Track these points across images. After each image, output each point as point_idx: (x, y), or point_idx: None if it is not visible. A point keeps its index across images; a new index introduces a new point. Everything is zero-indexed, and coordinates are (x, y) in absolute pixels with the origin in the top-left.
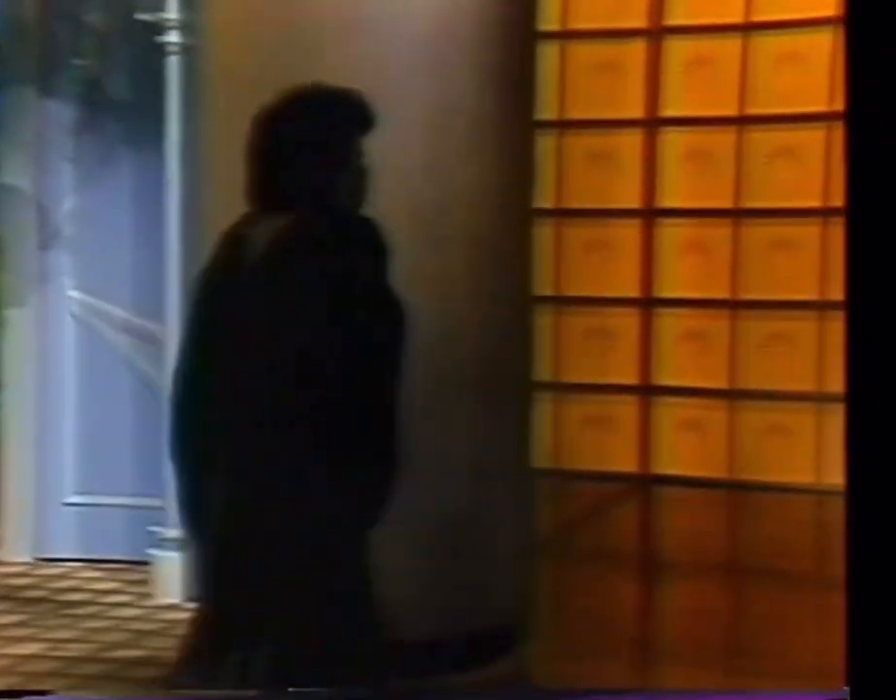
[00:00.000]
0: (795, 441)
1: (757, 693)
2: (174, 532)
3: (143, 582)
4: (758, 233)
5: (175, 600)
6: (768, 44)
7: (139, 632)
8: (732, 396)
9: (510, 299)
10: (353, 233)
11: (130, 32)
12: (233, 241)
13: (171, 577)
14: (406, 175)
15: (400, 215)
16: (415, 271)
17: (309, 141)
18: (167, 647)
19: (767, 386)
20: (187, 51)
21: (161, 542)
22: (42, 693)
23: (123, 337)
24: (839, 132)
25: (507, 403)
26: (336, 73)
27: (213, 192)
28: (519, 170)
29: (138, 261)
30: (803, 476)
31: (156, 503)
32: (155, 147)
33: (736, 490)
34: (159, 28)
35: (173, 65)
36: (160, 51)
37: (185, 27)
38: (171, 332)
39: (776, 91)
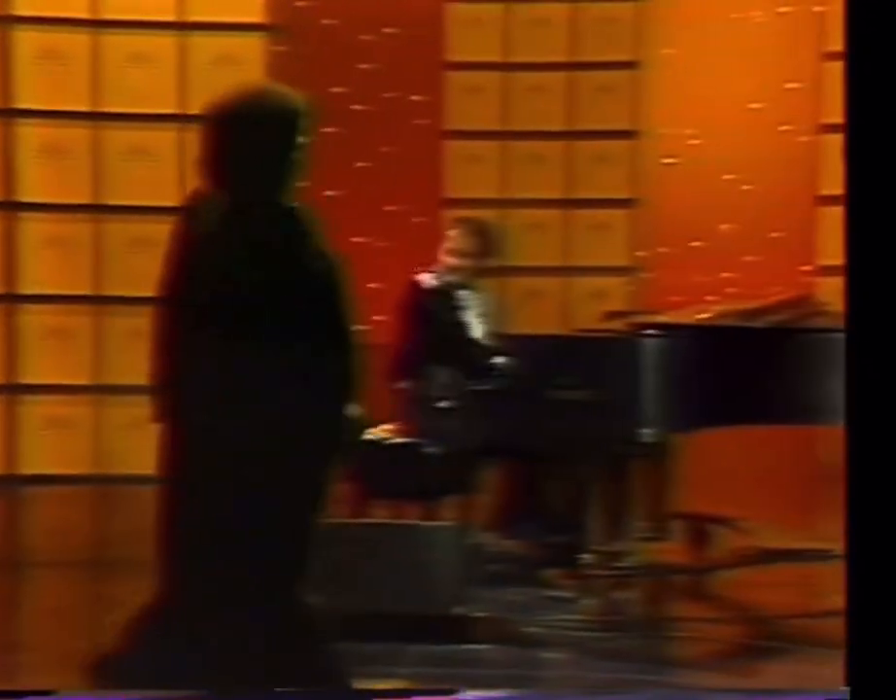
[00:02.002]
0: (153, 435)
1: (757, 693)
2: None
3: None
4: (118, 230)
5: None
6: (118, 42)
7: None
8: (96, 391)
9: None
10: (281, 215)
11: None
12: (190, 213)
13: None
14: None
15: None
16: None
17: (253, 138)
18: None
19: (128, 381)
20: None
21: None
22: (41, 693)
23: None
24: (191, 134)
25: None
26: None
27: None
28: None
29: None
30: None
31: None
32: None
33: (102, 484)
34: None
35: None
36: None
37: None
38: None
39: (128, 90)
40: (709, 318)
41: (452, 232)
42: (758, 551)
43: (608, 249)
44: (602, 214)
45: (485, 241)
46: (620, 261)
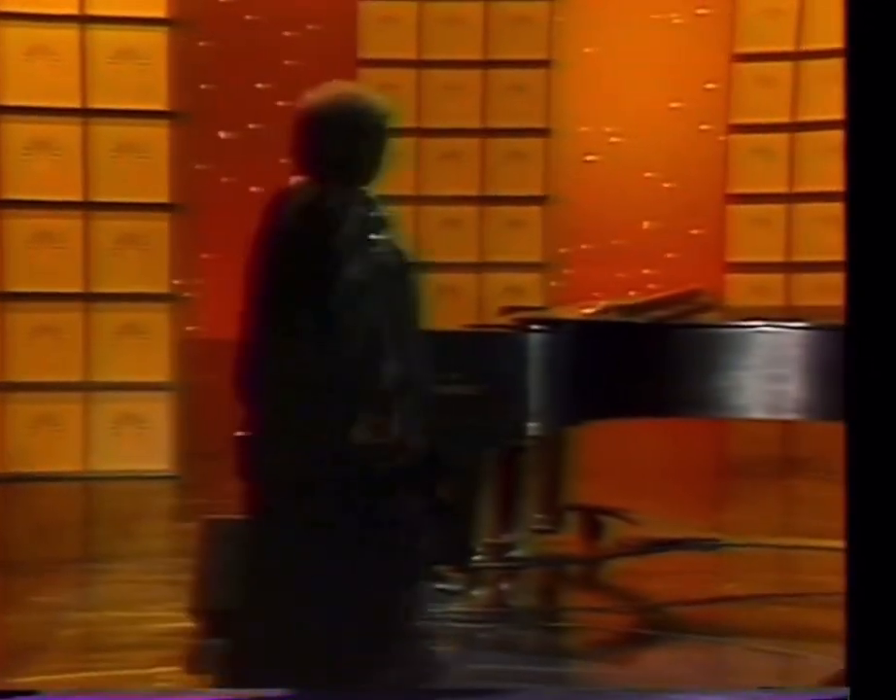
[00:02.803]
0: (62, 431)
1: (757, 693)
2: None
3: None
4: (20, 225)
5: None
6: (18, 34)
7: None
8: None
9: None
10: (370, 199)
11: None
12: (280, 209)
13: None
14: None
15: None
16: None
17: (346, 132)
18: None
19: (34, 378)
20: None
21: None
22: (26, 693)
23: None
24: (94, 128)
25: None
26: None
27: None
28: None
29: None
30: (70, 465)
31: None
32: None
33: (4, 484)
34: None
35: None
36: None
37: None
38: None
39: (30, 83)
40: (593, 313)
41: None
42: (647, 541)
43: (523, 245)
44: (516, 211)
45: None
46: (535, 257)
